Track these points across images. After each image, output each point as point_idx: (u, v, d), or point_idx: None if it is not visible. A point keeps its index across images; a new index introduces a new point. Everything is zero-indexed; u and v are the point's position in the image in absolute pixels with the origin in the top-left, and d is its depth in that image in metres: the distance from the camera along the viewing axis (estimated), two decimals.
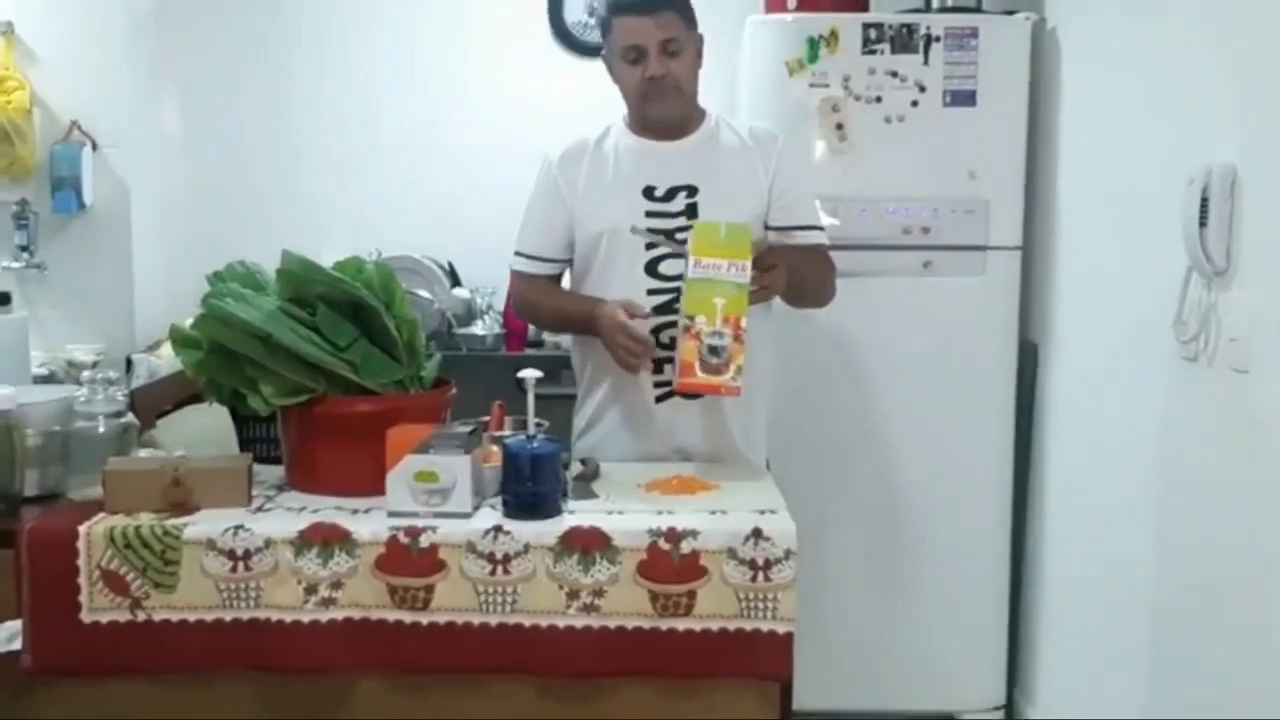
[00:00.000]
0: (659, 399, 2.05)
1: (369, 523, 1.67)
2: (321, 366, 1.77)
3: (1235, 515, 1.90)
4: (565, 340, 2.48)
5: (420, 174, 3.42)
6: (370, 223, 3.35)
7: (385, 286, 1.85)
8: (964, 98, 2.71)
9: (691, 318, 1.82)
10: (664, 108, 2.06)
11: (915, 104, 2.71)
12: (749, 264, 1.81)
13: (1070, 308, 2.68)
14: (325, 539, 1.65)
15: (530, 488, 1.69)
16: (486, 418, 2.06)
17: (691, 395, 1.99)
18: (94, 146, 3.18)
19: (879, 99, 2.71)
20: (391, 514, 1.68)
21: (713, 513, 1.72)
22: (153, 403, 2.23)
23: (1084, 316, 2.61)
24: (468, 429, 1.75)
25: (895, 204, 2.74)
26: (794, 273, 1.98)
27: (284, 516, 1.71)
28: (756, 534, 1.65)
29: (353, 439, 1.77)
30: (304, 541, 1.65)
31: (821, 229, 2.14)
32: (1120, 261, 2.40)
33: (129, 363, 3.08)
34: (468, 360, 3.06)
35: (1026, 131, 2.76)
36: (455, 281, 3.26)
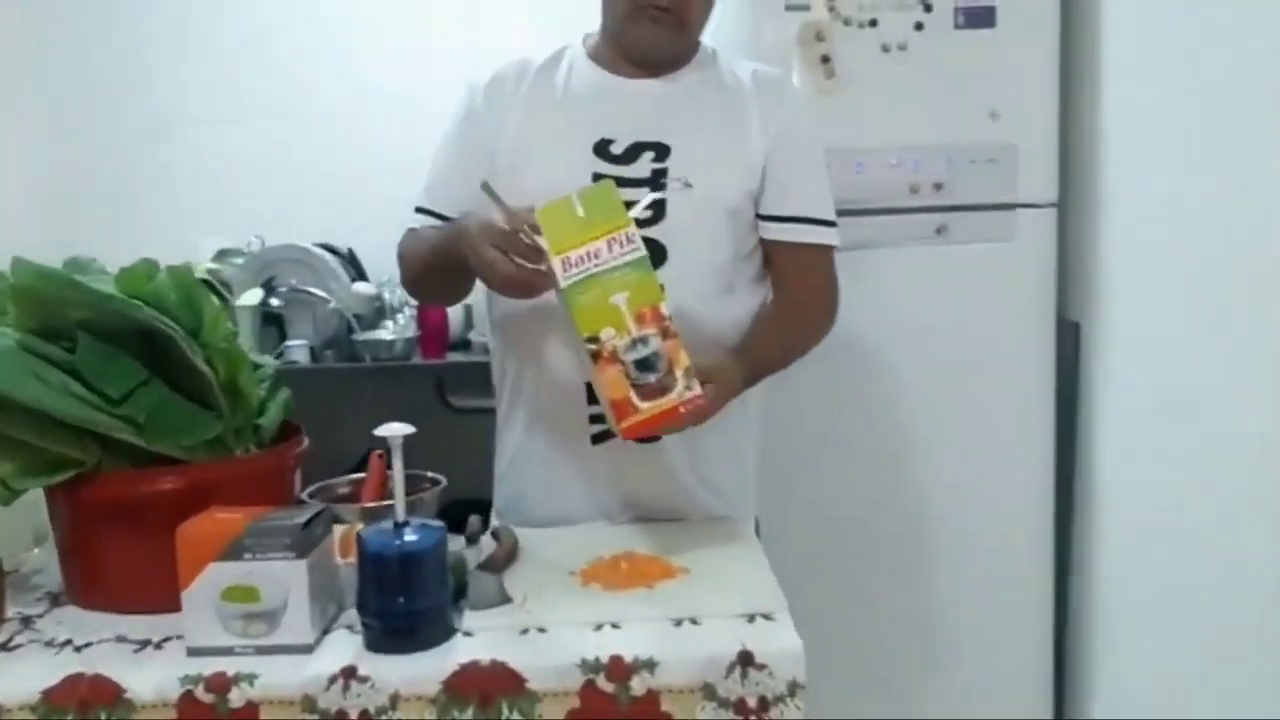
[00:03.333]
0: (596, 438, 1.48)
1: (156, 669, 1.11)
2: (90, 429, 1.19)
3: None
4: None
5: (312, 142, 2.81)
6: (249, 205, 2.75)
7: (188, 301, 1.27)
8: (981, 17, 2.17)
9: (595, 339, 1.25)
10: (658, 38, 1.50)
11: (920, 27, 2.16)
12: (633, 228, 1.26)
13: (1121, 279, 2.16)
14: (85, 701, 1.08)
15: (401, 605, 1.12)
16: (363, 474, 1.49)
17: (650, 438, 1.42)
18: None
19: (874, 22, 2.16)
20: (192, 652, 1.12)
21: (678, 623, 1.16)
22: None
23: (1139, 290, 2.10)
24: (308, 512, 1.17)
25: (899, 155, 2.19)
26: (757, 366, 1.50)
27: (33, 659, 1.14)
28: (745, 660, 1.09)
29: (144, 531, 1.20)
30: (52, 707, 1.08)
31: (832, 225, 1.55)
32: (1189, 218, 1.88)
33: None
34: (372, 374, 2.48)
35: (1059, 56, 2.22)
36: (358, 274, 2.66)
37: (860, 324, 2.21)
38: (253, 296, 2.44)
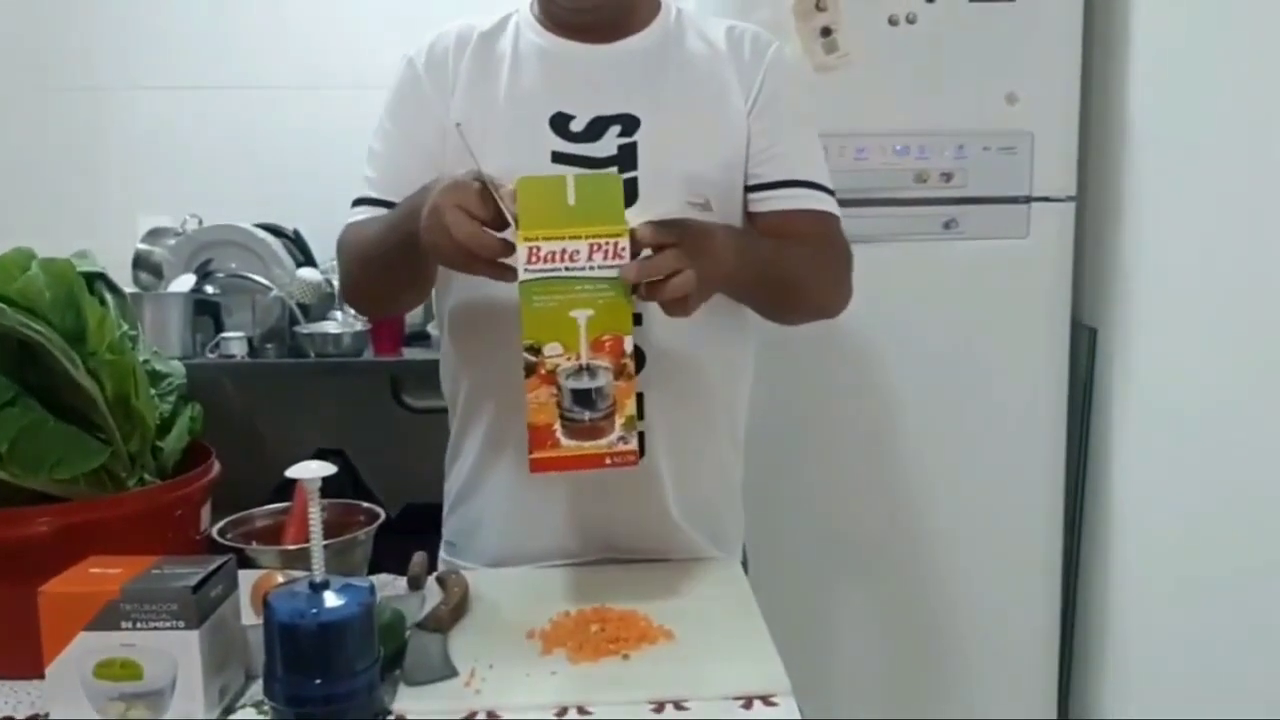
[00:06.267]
0: None
1: None
2: None
3: None
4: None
5: (257, 114, 2.56)
6: (188, 181, 2.51)
7: (68, 301, 1.05)
8: None
9: (535, 349, 1.04)
10: None
11: None
12: (626, 240, 1.03)
13: (1142, 281, 2.01)
14: None
15: (318, 689, 0.90)
16: (287, 505, 1.27)
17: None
18: None
19: None
20: None
21: (659, 708, 0.95)
22: None
23: (1161, 294, 1.96)
24: (205, 566, 0.95)
25: (905, 141, 2.01)
26: (767, 264, 1.25)
27: None
28: None
29: (10, 585, 0.99)
30: None
31: (829, 192, 1.35)
32: (1217, 218, 1.76)
33: None
34: (319, 371, 2.22)
35: (1083, 34, 2.04)
36: (304, 259, 2.41)
37: (858, 326, 2.03)
38: (184, 283, 2.20)
